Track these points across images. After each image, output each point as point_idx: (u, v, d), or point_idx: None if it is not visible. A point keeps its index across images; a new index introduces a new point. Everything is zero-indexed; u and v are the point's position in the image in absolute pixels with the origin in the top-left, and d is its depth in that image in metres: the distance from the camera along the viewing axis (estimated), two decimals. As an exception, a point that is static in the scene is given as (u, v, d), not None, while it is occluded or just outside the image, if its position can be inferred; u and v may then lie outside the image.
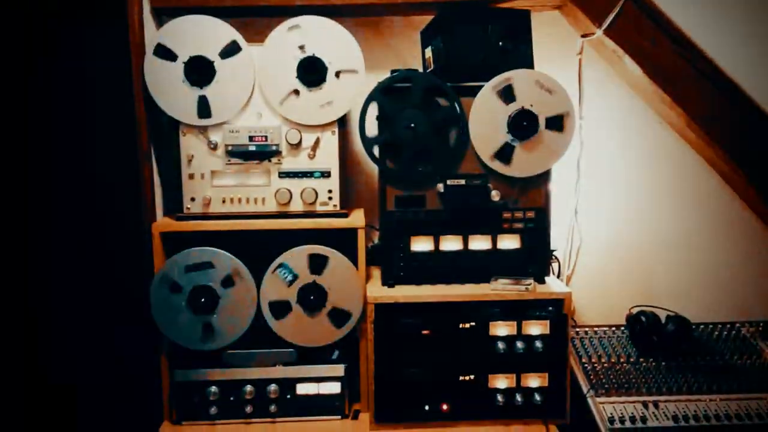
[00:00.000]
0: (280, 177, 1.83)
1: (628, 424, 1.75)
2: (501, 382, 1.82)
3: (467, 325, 1.80)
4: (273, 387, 1.83)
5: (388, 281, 1.88)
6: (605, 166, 2.26)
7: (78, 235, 1.80)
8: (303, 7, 1.88)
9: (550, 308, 1.83)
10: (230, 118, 1.79)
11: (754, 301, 2.29)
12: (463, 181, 1.83)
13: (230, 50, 1.76)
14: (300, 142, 1.82)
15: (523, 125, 1.78)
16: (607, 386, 1.87)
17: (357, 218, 1.86)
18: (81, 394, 1.83)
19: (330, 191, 1.84)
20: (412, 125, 1.77)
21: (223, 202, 1.83)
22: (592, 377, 1.90)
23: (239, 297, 1.80)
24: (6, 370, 1.75)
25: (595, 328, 2.13)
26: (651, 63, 1.96)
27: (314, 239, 1.82)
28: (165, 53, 1.75)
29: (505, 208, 1.85)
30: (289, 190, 1.82)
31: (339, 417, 1.86)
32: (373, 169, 2.02)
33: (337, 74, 1.78)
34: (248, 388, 1.82)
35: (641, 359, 1.97)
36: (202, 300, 1.78)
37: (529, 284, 1.82)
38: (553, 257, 2.11)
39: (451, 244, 1.87)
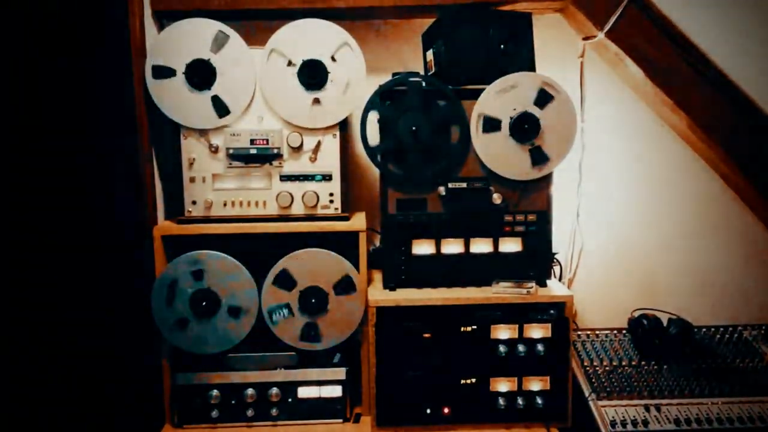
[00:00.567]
0: (281, 180, 1.83)
1: (630, 427, 1.74)
2: (502, 385, 1.81)
3: (469, 329, 1.80)
4: (274, 390, 1.83)
5: (390, 284, 1.88)
6: (607, 169, 2.26)
7: (79, 238, 1.80)
8: (304, 10, 1.88)
9: (552, 311, 1.82)
10: (232, 122, 1.80)
11: (756, 304, 2.29)
12: (464, 184, 1.83)
13: (221, 43, 1.74)
14: (301, 146, 1.82)
15: (524, 128, 1.78)
16: (609, 389, 1.86)
17: (358, 221, 1.86)
18: (82, 397, 1.83)
19: (331, 194, 1.84)
20: (414, 128, 1.77)
21: (225, 205, 1.83)
22: (593, 380, 1.90)
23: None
24: (7, 374, 1.75)
25: (597, 332, 2.12)
26: (652, 65, 1.96)
27: (315, 242, 1.82)
28: (163, 72, 1.75)
29: (506, 211, 1.85)
30: (290, 194, 1.82)
31: (340, 420, 1.86)
32: (375, 172, 2.02)
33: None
34: (249, 391, 1.82)
35: (643, 362, 1.97)
36: (204, 303, 1.78)
37: (531, 287, 1.82)
38: (555, 260, 2.10)
39: (452, 247, 1.86)
